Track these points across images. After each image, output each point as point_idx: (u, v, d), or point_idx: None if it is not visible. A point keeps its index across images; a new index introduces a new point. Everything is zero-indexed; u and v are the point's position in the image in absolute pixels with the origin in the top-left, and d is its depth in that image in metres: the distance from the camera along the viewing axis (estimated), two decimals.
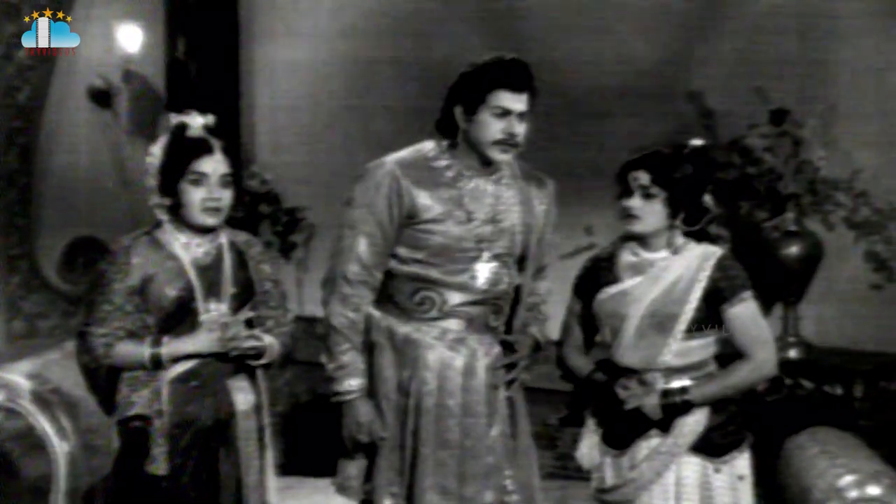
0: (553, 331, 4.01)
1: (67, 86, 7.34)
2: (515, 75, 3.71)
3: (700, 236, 3.76)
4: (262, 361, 3.78)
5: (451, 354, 3.76)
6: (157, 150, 3.73)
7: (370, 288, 3.78)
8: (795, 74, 5.97)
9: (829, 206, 5.73)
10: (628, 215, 3.68)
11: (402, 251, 3.77)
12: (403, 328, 3.78)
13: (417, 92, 6.82)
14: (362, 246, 3.74)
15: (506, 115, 3.69)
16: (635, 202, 3.67)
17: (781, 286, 5.79)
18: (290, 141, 7.45)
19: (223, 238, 3.80)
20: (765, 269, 5.63)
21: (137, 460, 3.62)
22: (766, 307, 5.65)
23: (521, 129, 3.72)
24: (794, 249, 5.77)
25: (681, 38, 6.41)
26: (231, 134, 7.18)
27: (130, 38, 7.54)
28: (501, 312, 3.87)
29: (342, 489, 3.88)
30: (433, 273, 3.76)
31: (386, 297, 3.80)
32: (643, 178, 3.66)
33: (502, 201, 3.83)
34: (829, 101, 5.81)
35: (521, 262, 3.88)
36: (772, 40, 6.08)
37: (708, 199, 3.75)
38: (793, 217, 5.77)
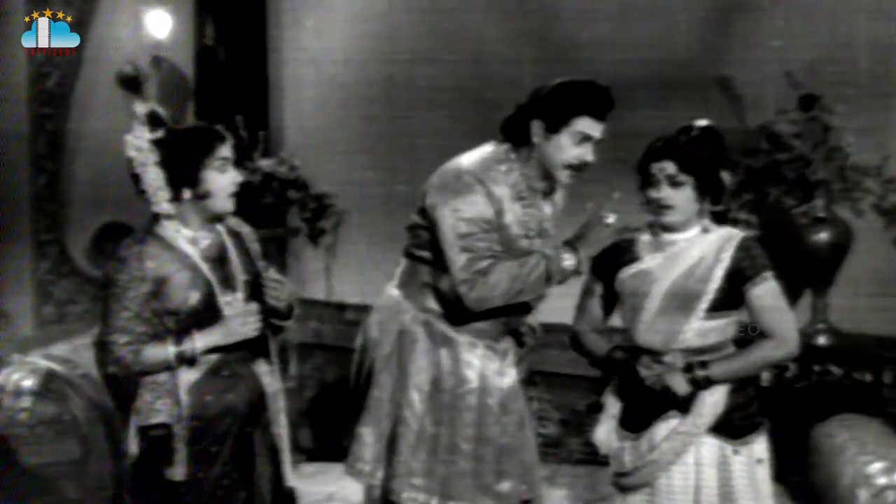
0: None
1: (96, 72, 7.36)
2: (604, 105, 3.70)
3: (721, 218, 3.76)
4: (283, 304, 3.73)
5: (489, 354, 3.77)
6: (143, 144, 3.58)
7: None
8: (825, 59, 5.94)
9: (858, 193, 5.70)
10: (660, 206, 3.67)
11: None
12: (441, 325, 3.77)
13: (446, 78, 6.82)
14: (495, 248, 3.70)
15: (585, 141, 3.68)
16: (666, 192, 3.66)
17: (810, 273, 5.77)
18: (318, 127, 7.45)
19: (220, 225, 3.76)
20: (794, 255, 5.62)
21: (158, 466, 3.58)
22: (795, 294, 5.63)
23: (592, 157, 3.70)
24: (823, 236, 5.74)
25: (709, 23, 6.38)
26: (259, 120, 7.21)
27: (159, 23, 7.55)
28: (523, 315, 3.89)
29: (353, 472, 3.87)
30: None
31: (429, 289, 3.79)
32: (669, 167, 3.65)
33: (547, 218, 3.84)
34: (858, 86, 5.78)
35: None
36: (801, 25, 6.04)
37: (725, 175, 3.75)
38: (822, 204, 5.74)
